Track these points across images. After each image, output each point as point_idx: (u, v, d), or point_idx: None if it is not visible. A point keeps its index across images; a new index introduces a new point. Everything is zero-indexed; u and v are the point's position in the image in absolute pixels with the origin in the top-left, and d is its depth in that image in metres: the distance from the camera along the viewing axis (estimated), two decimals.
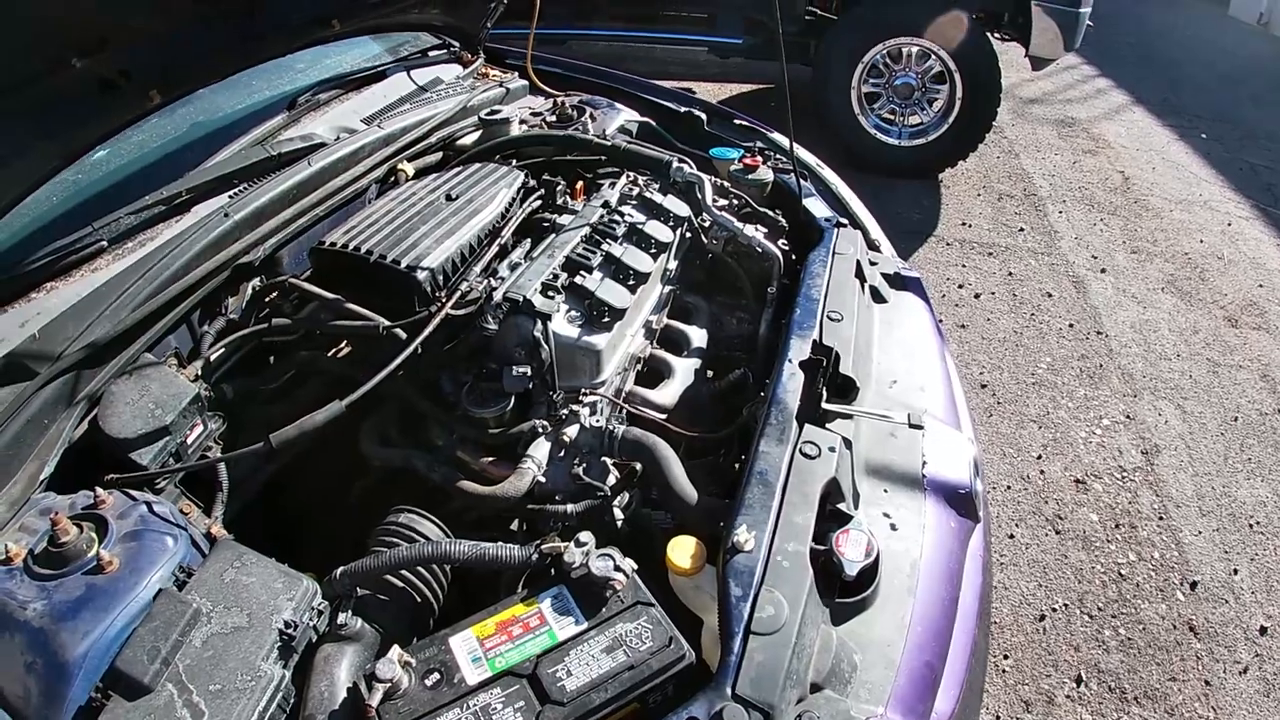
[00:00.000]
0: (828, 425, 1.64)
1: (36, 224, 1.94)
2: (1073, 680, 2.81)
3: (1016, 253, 5.26)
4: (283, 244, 2.09)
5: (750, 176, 2.51)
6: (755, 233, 2.29)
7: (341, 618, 1.36)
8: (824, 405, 1.66)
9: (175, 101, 2.02)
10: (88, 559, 1.28)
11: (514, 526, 1.75)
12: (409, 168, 2.42)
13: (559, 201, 2.27)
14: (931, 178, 6.05)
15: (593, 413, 1.81)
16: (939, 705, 1.38)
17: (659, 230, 2.15)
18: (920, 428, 1.72)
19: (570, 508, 1.67)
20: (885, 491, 1.63)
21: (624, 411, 1.89)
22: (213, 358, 1.87)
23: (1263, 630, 2.99)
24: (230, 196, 2.07)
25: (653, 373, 2.07)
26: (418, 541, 1.51)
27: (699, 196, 2.34)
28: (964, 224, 5.54)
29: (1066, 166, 6.40)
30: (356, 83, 2.71)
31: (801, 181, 2.51)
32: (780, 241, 2.33)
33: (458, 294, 1.84)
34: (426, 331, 1.74)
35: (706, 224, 2.35)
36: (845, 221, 2.37)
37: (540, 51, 3.28)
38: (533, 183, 2.28)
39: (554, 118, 2.78)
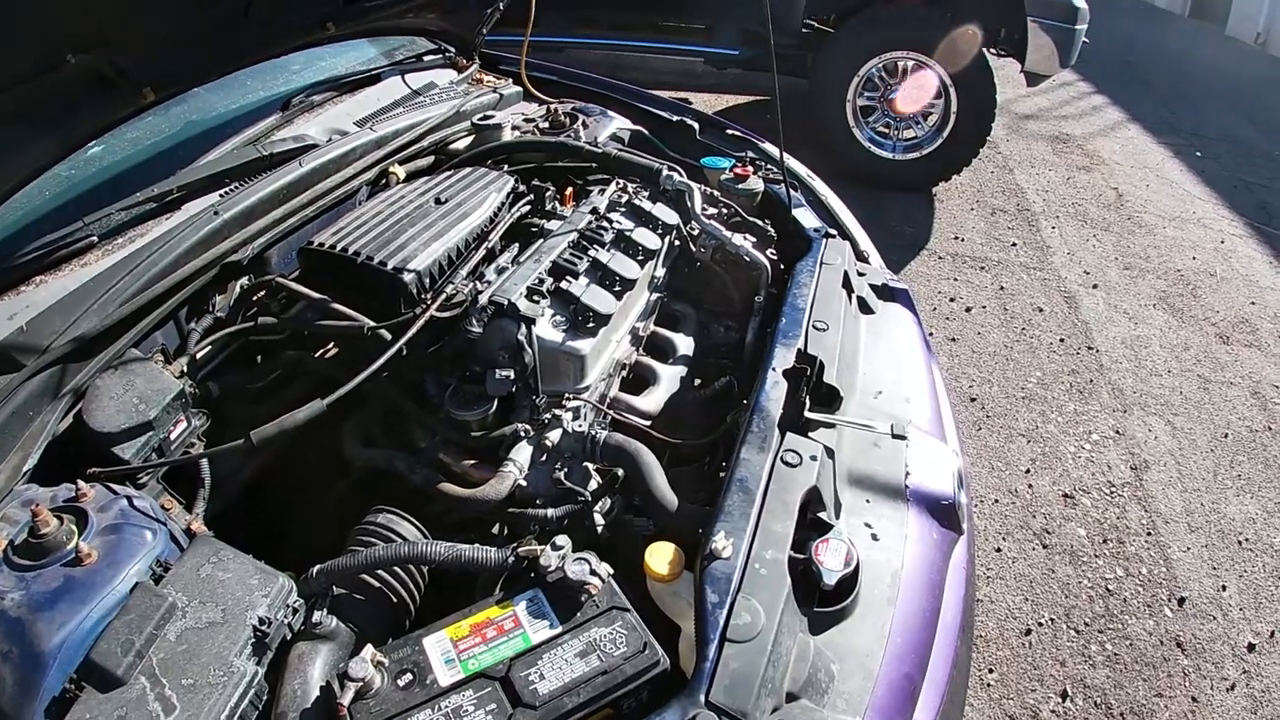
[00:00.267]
0: (810, 434, 1.64)
1: (28, 218, 1.96)
2: (1058, 695, 2.81)
3: (1009, 267, 5.27)
4: (272, 243, 2.09)
5: (740, 186, 2.52)
6: (744, 242, 2.30)
7: (317, 616, 1.36)
8: (807, 414, 1.66)
9: (170, 99, 2.02)
10: (67, 551, 1.28)
11: (495, 530, 1.75)
12: (400, 171, 2.43)
13: (548, 207, 2.27)
14: (925, 191, 6.07)
15: (575, 418, 1.81)
16: (918, 717, 1.38)
17: (647, 237, 2.15)
18: (904, 438, 1.72)
19: (551, 512, 1.67)
20: (867, 501, 1.63)
21: (608, 417, 1.89)
22: (199, 355, 1.88)
23: (1251, 647, 2.99)
24: (221, 195, 2.08)
25: (638, 379, 2.08)
26: (395, 542, 1.51)
27: (688, 205, 2.34)
28: (957, 238, 5.55)
29: (1060, 182, 6.42)
30: (351, 85, 2.72)
31: (791, 192, 2.51)
32: (769, 251, 2.33)
33: (443, 296, 1.84)
34: (410, 333, 1.73)
35: (695, 232, 2.35)
36: (834, 232, 2.38)
37: (536, 59, 3.29)
38: (522, 188, 2.28)
39: (546, 124, 2.78)
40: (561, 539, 1.39)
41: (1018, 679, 2.85)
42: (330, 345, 2.01)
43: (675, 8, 5.95)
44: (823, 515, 1.51)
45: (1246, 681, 2.88)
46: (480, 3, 2.94)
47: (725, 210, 2.46)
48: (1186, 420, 4.06)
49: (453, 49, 3.14)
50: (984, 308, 4.86)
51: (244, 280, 2.05)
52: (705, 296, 2.43)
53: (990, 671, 2.87)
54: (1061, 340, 4.61)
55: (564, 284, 1.89)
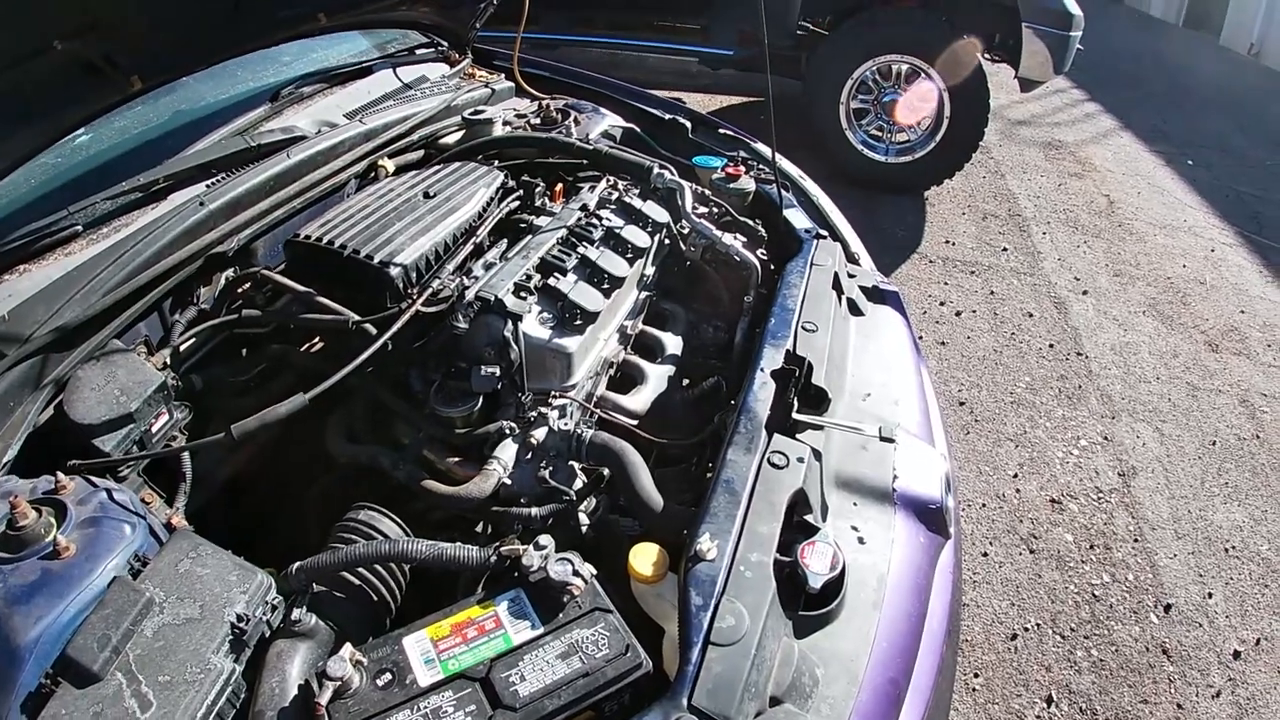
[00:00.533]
0: (798, 436, 1.63)
1: (13, 206, 1.94)
2: (1043, 700, 2.80)
3: (999, 272, 5.27)
4: (258, 235, 2.07)
5: (732, 185, 2.50)
6: (734, 241, 2.29)
7: (296, 613, 1.34)
8: (795, 415, 1.65)
9: (158, 88, 2.01)
10: (45, 544, 1.26)
11: (479, 528, 1.73)
12: (389, 164, 2.41)
13: (538, 203, 2.26)
14: (917, 195, 6.07)
15: (561, 416, 1.80)
16: None
17: (637, 235, 2.14)
18: (892, 441, 1.71)
19: (535, 511, 1.65)
20: (854, 504, 1.62)
21: (594, 416, 1.88)
22: (182, 347, 1.85)
23: (1236, 654, 2.99)
24: (207, 186, 2.06)
25: (626, 378, 2.06)
26: (376, 539, 1.50)
27: (679, 203, 2.33)
28: (948, 242, 5.55)
29: (1052, 188, 6.43)
30: (341, 77, 2.70)
31: (783, 192, 2.51)
32: (759, 251, 2.32)
33: (429, 291, 1.83)
34: (395, 327, 1.72)
35: (685, 231, 2.34)
36: (825, 233, 2.37)
37: (529, 55, 3.27)
38: (512, 183, 2.26)
39: (538, 120, 2.77)
40: (545, 539, 1.38)
41: (1003, 684, 2.84)
42: (315, 339, 1.99)
43: (671, 7, 5.94)
44: (809, 518, 1.49)
45: (1232, 689, 2.88)
46: None
47: (716, 209, 2.45)
48: (1175, 427, 4.07)
49: (445, 43, 3.12)
50: (974, 312, 4.86)
51: (229, 272, 2.03)
52: (695, 296, 2.43)
53: (976, 676, 2.86)
54: (1051, 346, 4.61)
55: (552, 281, 1.88)
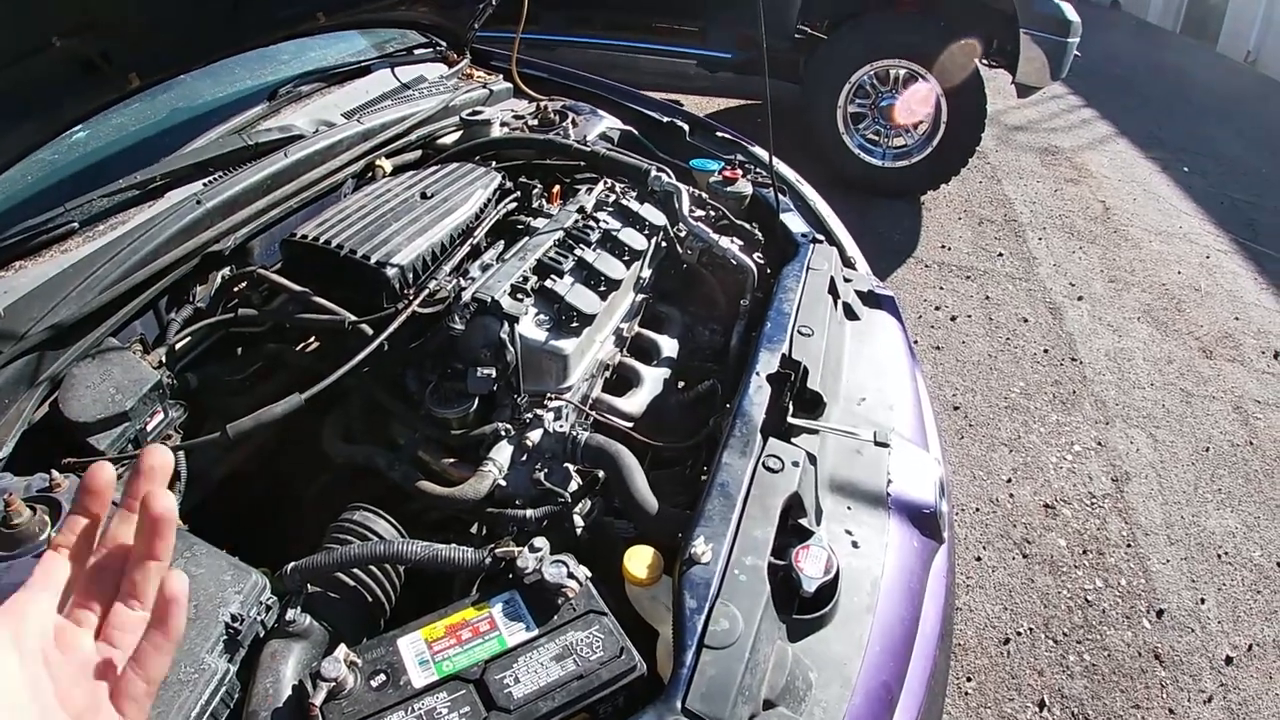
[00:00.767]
0: (793, 440, 1.63)
1: (9, 202, 1.93)
2: (1036, 705, 2.81)
3: (994, 277, 5.28)
4: (254, 234, 2.07)
5: (729, 189, 2.50)
6: (731, 245, 2.29)
7: (290, 614, 1.34)
8: (790, 420, 1.65)
9: (155, 86, 2.00)
10: (38, 542, 1.26)
11: (474, 530, 1.73)
12: (387, 164, 2.41)
13: (535, 205, 2.26)
14: (913, 199, 6.08)
15: (557, 418, 1.80)
16: None
17: (633, 238, 2.14)
18: (886, 446, 1.71)
19: (530, 513, 1.65)
20: (849, 508, 1.62)
21: (589, 418, 1.88)
22: (178, 346, 1.85)
23: (1228, 660, 3.00)
24: (204, 184, 2.05)
25: (621, 381, 2.06)
26: (371, 540, 1.50)
27: (676, 206, 2.33)
28: (943, 246, 5.56)
29: (1048, 194, 6.45)
30: (340, 77, 2.69)
31: (780, 196, 2.51)
32: (755, 255, 2.33)
33: (426, 292, 1.83)
34: (392, 328, 1.72)
35: (682, 234, 2.35)
36: (821, 238, 2.37)
37: (527, 56, 3.27)
38: (509, 185, 2.26)
39: (536, 121, 2.77)
40: (540, 541, 1.38)
41: (995, 688, 2.85)
42: (311, 339, 1.99)
43: (669, 9, 5.95)
44: (803, 522, 1.49)
45: (1224, 694, 2.89)
46: None
47: (713, 213, 2.45)
48: (1168, 433, 4.08)
49: (444, 43, 3.12)
50: (969, 317, 4.87)
51: (225, 271, 2.03)
52: (691, 299, 2.42)
53: (968, 680, 2.87)
54: (1045, 351, 4.62)
55: (549, 283, 1.88)
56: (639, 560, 1.45)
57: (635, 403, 1.97)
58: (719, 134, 3.00)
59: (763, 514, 1.44)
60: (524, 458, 1.75)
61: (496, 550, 1.39)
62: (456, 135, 2.67)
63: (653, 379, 2.05)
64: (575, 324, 1.85)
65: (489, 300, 1.76)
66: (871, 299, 2.27)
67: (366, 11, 2.67)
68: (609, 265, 2.01)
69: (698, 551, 1.35)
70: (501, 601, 1.31)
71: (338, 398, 1.81)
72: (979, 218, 5.99)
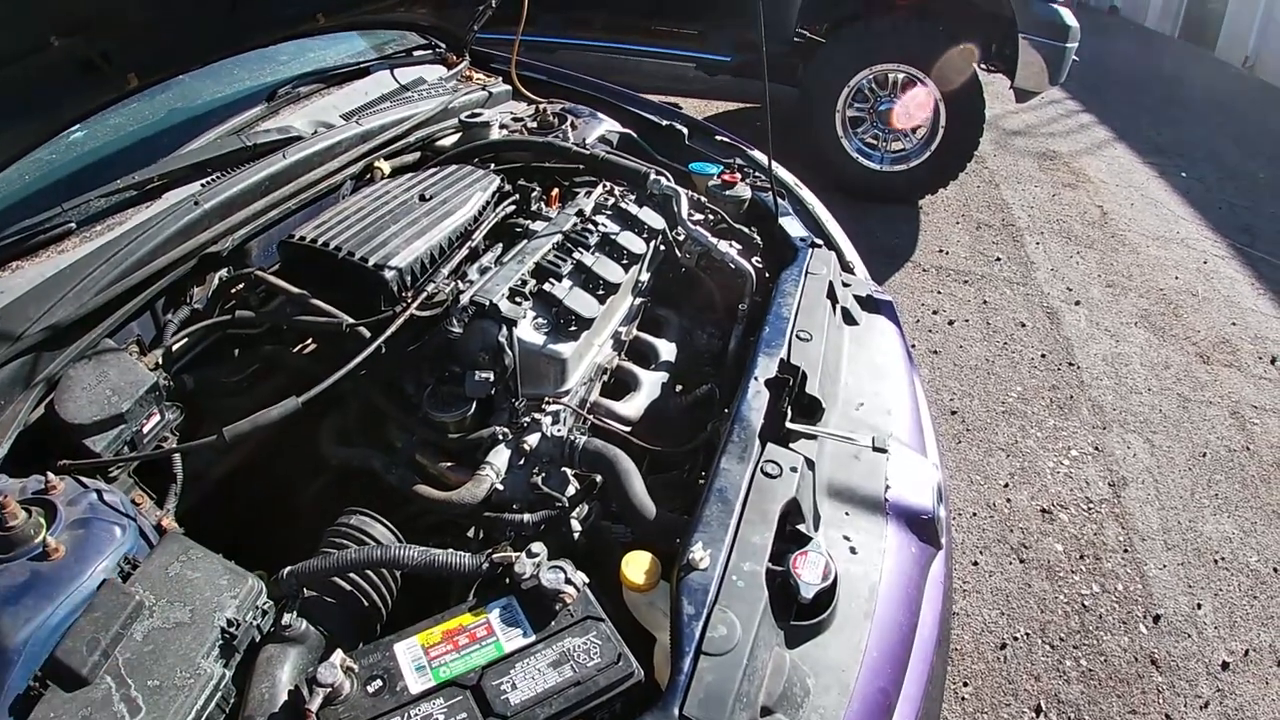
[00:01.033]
0: (791, 445, 1.63)
1: (6, 202, 1.93)
2: (1032, 710, 2.81)
3: (992, 282, 5.29)
4: (252, 235, 2.06)
5: (728, 193, 2.50)
6: (729, 249, 2.29)
7: (286, 618, 1.33)
8: (788, 425, 1.65)
9: (154, 86, 2.00)
10: (34, 545, 1.25)
11: (471, 534, 1.73)
12: (385, 166, 2.40)
13: (533, 208, 2.25)
14: (911, 204, 6.08)
15: (555, 422, 1.79)
16: None
17: (632, 241, 2.14)
18: (884, 451, 1.71)
19: (527, 517, 1.65)
20: (846, 514, 1.61)
21: (587, 422, 1.88)
22: (175, 347, 1.84)
23: (1225, 665, 3.00)
24: (202, 185, 2.04)
25: (619, 384, 2.06)
26: (367, 545, 1.49)
27: (675, 210, 2.33)
28: (941, 251, 5.57)
29: (1046, 199, 6.46)
30: (339, 78, 2.69)
31: (779, 200, 2.50)
32: (754, 259, 2.32)
33: (424, 295, 1.82)
34: (389, 331, 1.71)
35: (681, 238, 2.34)
36: (820, 242, 2.37)
37: (527, 58, 3.27)
38: (508, 187, 2.26)
39: (535, 124, 2.77)
40: (537, 545, 1.37)
41: (992, 694, 2.85)
42: (309, 341, 1.98)
43: (669, 12, 5.94)
44: (801, 527, 1.49)
45: (1220, 700, 2.89)
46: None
47: (712, 216, 2.45)
48: (1165, 438, 4.08)
49: (443, 45, 3.12)
50: (967, 321, 4.87)
51: (223, 272, 2.02)
52: (689, 302, 2.42)
53: (965, 685, 2.86)
54: (1043, 356, 4.62)
55: (547, 286, 1.87)
56: (637, 566, 1.45)
57: (633, 407, 1.96)
58: (718, 137, 3.00)
59: (761, 519, 1.44)
60: (521, 462, 1.75)
61: (494, 555, 1.38)
62: (455, 137, 2.67)
63: (651, 383, 2.05)
64: (573, 328, 1.85)
65: (487, 304, 1.75)
66: (870, 304, 2.27)
67: (366, 12, 2.67)
68: (607, 269, 2.01)
69: (695, 557, 1.35)
70: (499, 607, 1.31)
71: (335, 400, 1.80)
72: (977, 222, 5.99)
